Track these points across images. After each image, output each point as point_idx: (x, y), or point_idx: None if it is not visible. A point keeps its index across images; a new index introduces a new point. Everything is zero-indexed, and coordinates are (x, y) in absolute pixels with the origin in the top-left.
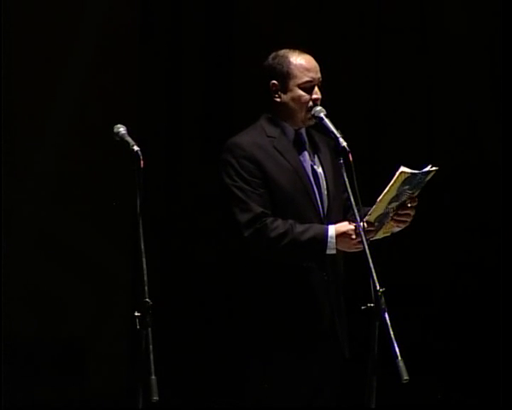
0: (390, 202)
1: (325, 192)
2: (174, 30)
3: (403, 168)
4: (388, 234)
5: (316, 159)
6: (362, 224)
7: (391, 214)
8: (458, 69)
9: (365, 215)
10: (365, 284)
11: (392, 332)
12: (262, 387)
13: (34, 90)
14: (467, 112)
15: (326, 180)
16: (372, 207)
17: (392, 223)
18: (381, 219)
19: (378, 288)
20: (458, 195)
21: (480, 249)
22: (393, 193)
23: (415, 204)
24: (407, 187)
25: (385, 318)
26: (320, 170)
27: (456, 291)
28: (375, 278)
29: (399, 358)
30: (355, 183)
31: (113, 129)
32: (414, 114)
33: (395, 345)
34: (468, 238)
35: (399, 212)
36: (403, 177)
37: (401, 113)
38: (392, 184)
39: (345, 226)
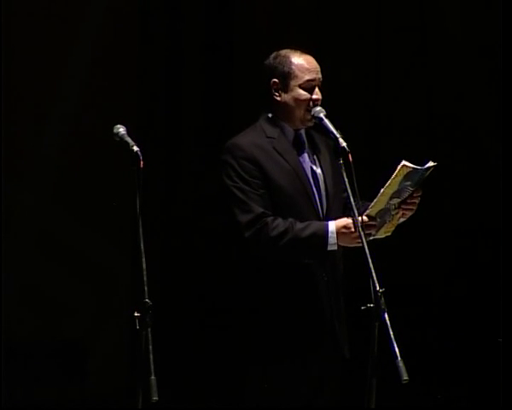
0: (391, 198)
1: (324, 193)
2: (174, 30)
3: (404, 162)
4: (389, 234)
5: (315, 160)
6: (360, 219)
7: (392, 212)
8: (458, 69)
9: (366, 210)
10: (365, 283)
11: (391, 333)
12: (262, 387)
13: (34, 90)
14: (467, 112)
15: (325, 181)
16: (373, 201)
17: (400, 213)
18: (383, 216)
19: (378, 288)
20: (458, 195)
21: (479, 250)
22: (395, 187)
23: (419, 193)
24: (409, 183)
25: (384, 318)
26: (319, 171)
27: (455, 291)
28: (375, 278)
29: (399, 358)
30: (355, 183)
31: (112, 129)
32: (414, 115)
33: (395, 345)
34: (468, 239)
35: (408, 200)
36: (404, 171)
37: (401, 113)
38: (394, 178)
39: (345, 221)
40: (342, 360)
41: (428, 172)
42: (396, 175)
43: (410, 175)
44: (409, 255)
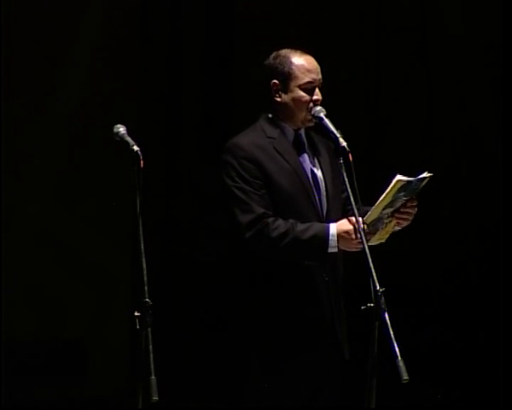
0: (385, 208)
1: (324, 194)
2: (174, 30)
3: (399, 177)
4: (383, 240)
5: (315, 161)
6: (362, 223)
7: (385, 220)
8: (458, 69)
9: (364, 215)
10: (365, 284)
11: (392, 332)
12: (262, 387)
13: (34, 90)
14: (467, 112)
15: (325, 182)
16: (370, 208)
17: (394, 222)
18: (375, 224)
19: (378, 288)
20: (458, 195)
21: (479, 250)
22: (389, 200)
23: (415, 203)
24: (402, 194)
25: (385, 318)
26: (319, 172)
27: (455, 291)
28: (375, 278)
29: (399, 358)
30: (355, 183)
31: (113, 129)
32: (414, 115)
33: (395, 345)
34: (468, 239)
35: (401, 210)
36: (399, 185)
37: (401, 113)
38: (388, 192)
39: (346, 225)
40: (342, 360)
41: (424, 182)
42: (390, 189)
43: (403, 187)
44: (409, 255)
